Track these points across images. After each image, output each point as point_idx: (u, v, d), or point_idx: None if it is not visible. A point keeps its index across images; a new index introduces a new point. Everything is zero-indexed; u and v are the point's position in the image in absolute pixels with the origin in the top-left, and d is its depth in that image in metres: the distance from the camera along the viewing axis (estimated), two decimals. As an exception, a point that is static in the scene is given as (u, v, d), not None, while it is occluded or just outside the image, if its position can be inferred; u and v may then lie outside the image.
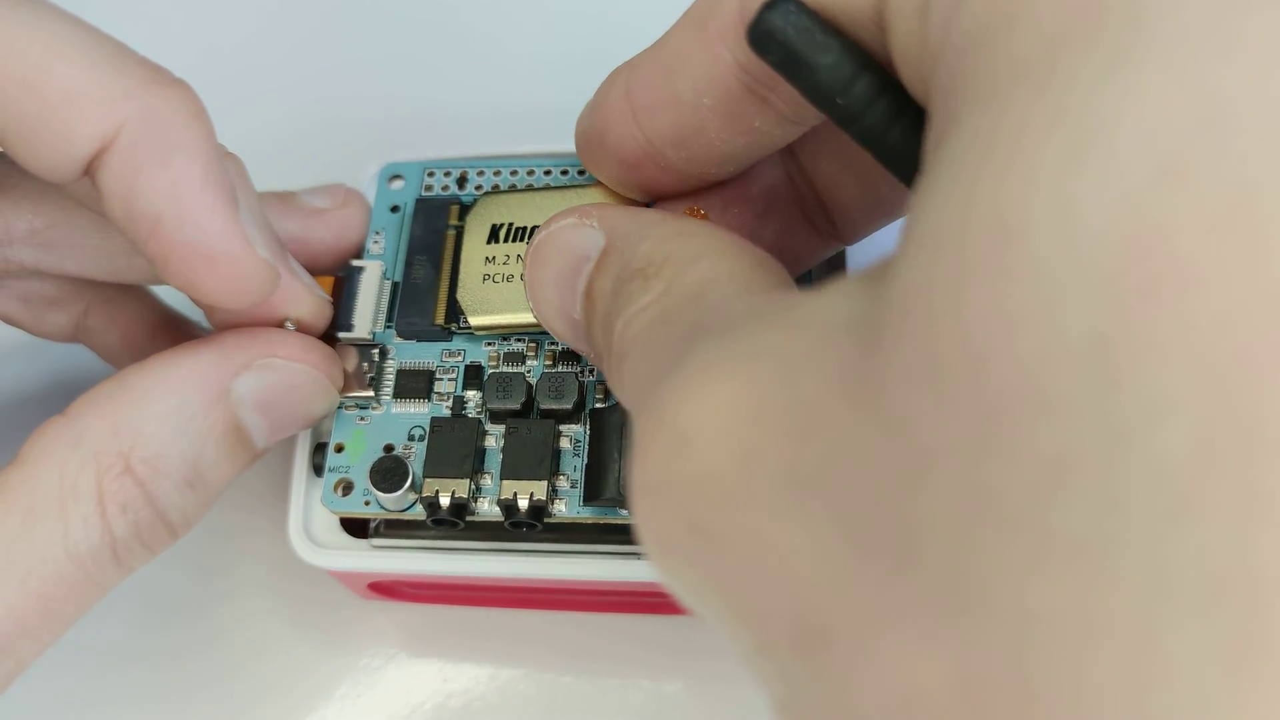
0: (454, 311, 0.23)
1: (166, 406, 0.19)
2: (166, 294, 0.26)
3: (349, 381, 0.22)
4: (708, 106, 0.17)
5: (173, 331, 0.25)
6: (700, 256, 0.16)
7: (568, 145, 0.21)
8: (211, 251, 0.18)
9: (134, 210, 0.18)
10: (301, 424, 0.22)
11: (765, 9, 0.15)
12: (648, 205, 0.21)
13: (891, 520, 0.10)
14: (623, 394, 0.16)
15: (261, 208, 0.20)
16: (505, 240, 0.23)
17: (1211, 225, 0.09)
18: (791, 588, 0.11)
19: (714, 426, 0.12)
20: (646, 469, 0.13)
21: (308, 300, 0.22)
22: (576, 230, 0.18)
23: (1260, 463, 0.08)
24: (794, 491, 0.11)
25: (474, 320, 0.22)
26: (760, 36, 0.15)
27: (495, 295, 0.22)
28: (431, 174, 0.25)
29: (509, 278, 0.22)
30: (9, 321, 0.24)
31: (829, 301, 0.12)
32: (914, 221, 0.11)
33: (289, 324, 0.21)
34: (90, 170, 0.18)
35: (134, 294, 0.25)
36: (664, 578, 0.14)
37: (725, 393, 0.12)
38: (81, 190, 0.20)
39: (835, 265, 0.24)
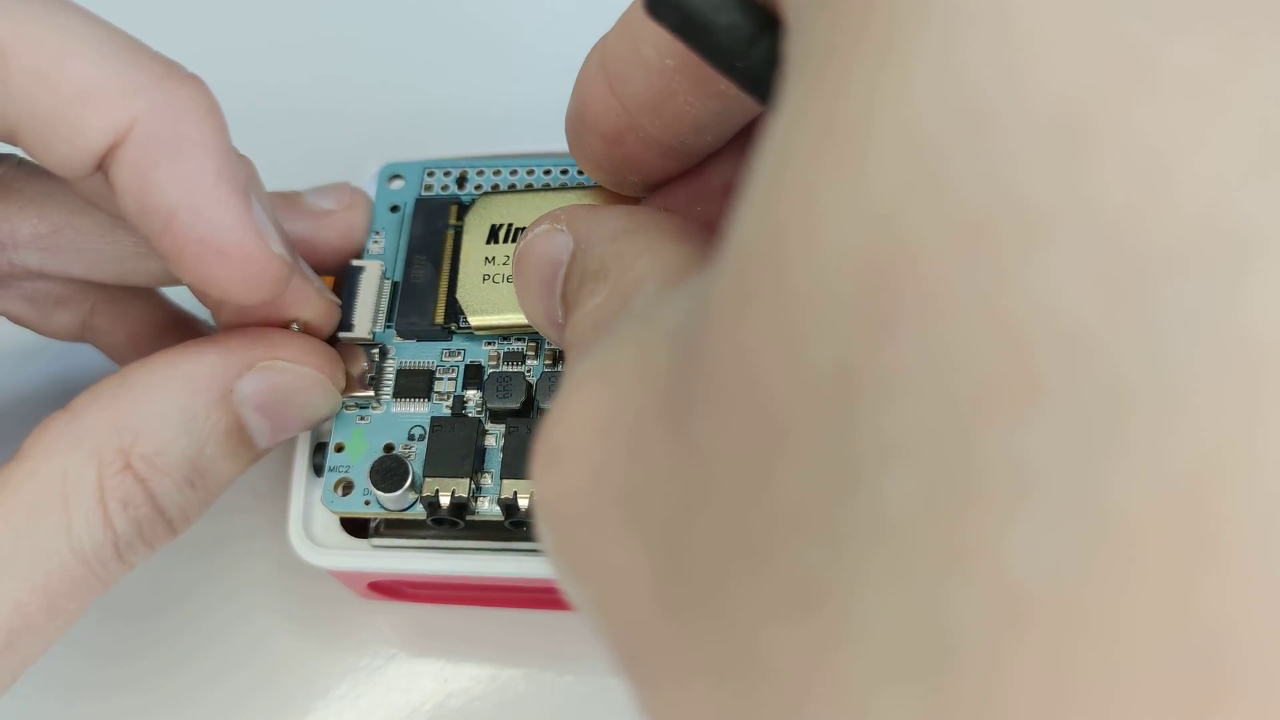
0: (454, 311, 0.23)
1: (168, 404, 0.19)
2: (174, 294, 0.26)
3: (351, 382, 0.22)
4: (671, 68, 0.17)
5: (179, 330, 0.25)
6: (640, 255, 0.16)
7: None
8: (225, 246, 0.18)
9: (147, 205, 0.17)
10: (303, 425, 0.22)
11: None
12: (638, 200, 0.21)
13: (677, 552, 0.10)
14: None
15: (271, 207, 0.20)
16: (504, 240, 0.23)
17: (957, 246, 0.08)
18: (612, 620, 0.11)
19: (575, 443, 0.12)
20: (534, 484, 0.13)
21: (316, 301, 0.22)
22: (549, 237, 0.18)
23: (968, 516, 0.08)
24: (622, 514, 0.11)
25: (474, 320, 0.22)
26: (654, 1, 0.14)
27: (495, 295, 0.22)
28: (431, 174, 0.25)
29: (508, 278, 0.22)
30: (15, 321, 0.24)
31: (667, 310, 0.12)
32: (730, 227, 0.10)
33: (295, 326, 0.21)
34: (103, 166, 0.18)
35: (140, 293, 0.25)
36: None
37: (585, 407, 0.12)
38: (94, 188, 0.20)
39: None
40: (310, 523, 0.23)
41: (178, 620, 0.26)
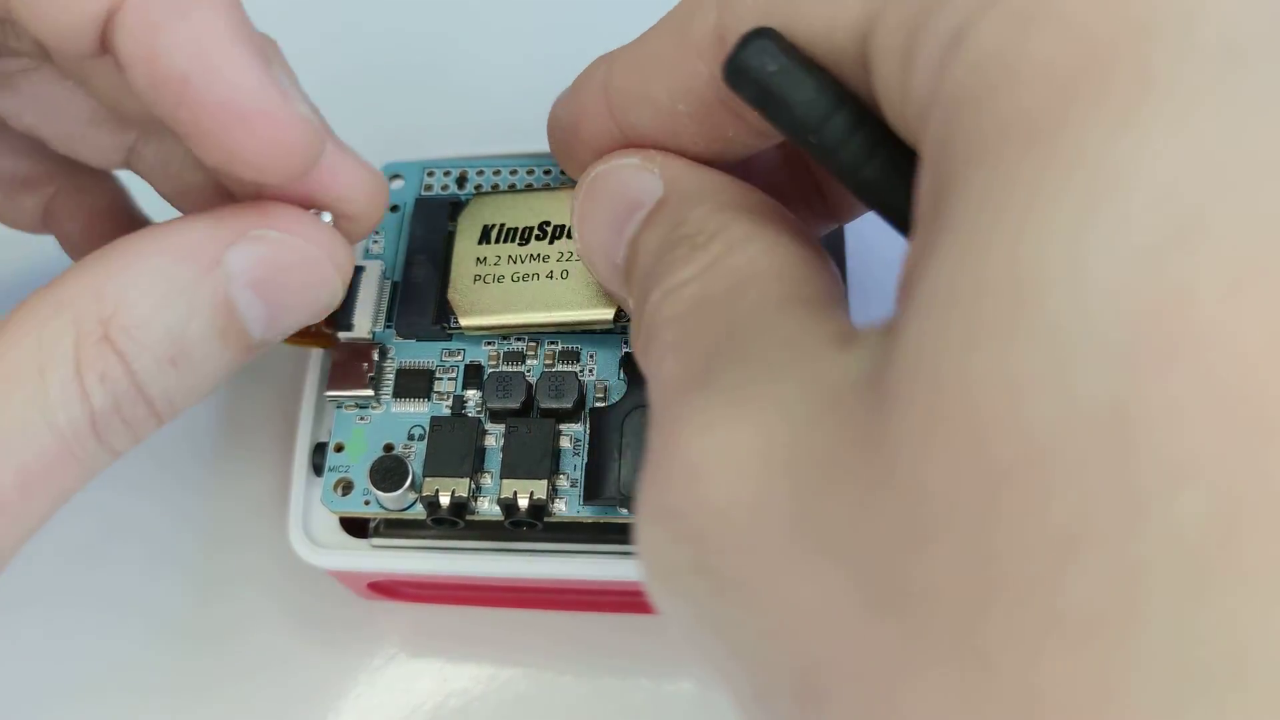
0: (443, 311, 0.23)
1: (152, 274, 0.17)
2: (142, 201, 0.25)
3: (351, 381, 0.22)
4: (683, 113, 0.17)
5: (137, 228, 0.24)
6: (752, 239, 0.15)
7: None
8: (246, 109, 0.16)
9: (158, 73, 0.16)
10: (302, 313, 0.19)
11: (741, 46, 0.15)
12: None
13: (901, 583, 0.10)
14: (647, 370, 0.16)
15: (297, 81, 0.19)
16: (497, 241, 0.23)
17: (1230, 286, 0.09)
18: (796, 640, 0.11)
19: (726, 466, 0.12)
20: (655, 493, 0.13)
21: (358, 175, 0.19)
22: (635, 173, 0.17)
23: (1265, 533, 0.08)
24: (805, 545, 0.11)
25: (465, 320, 0.22)
26: (735, 72, 0.15)
27: (486, 296, 0.22)
28: (431, 174, 0.25)
29: (500, 279, 0.22)
30: None
31: (847, 360, 0.12)
32: (919, 280, 0.11)
33: (325, 216, 0.19)
34: (106, 39, 0.16)
35: (105, 185, 0.24)
36: (660, 606, 0.13)
37: (740, 435, 0.12)
38: (100, 77, 0.19)
39: (834, 242, 0.24)
40: (310, 523, 0.23)
41: (177, 620, 0.26)
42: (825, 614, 0.11)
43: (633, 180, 0.17)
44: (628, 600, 0.25)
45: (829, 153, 0.15)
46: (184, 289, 0.17)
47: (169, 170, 0.22)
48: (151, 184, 0.23)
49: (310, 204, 0.19)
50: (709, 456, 0.12)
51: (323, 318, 0.20)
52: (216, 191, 0.22)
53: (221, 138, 0.17)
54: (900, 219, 0.15)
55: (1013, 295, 0.10)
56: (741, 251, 0.15)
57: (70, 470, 0.17)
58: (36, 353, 0.16)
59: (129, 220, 0.25)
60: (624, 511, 0.21)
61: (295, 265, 0.19)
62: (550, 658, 0.25)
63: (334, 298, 0.19)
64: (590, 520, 0.21)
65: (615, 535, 0.22)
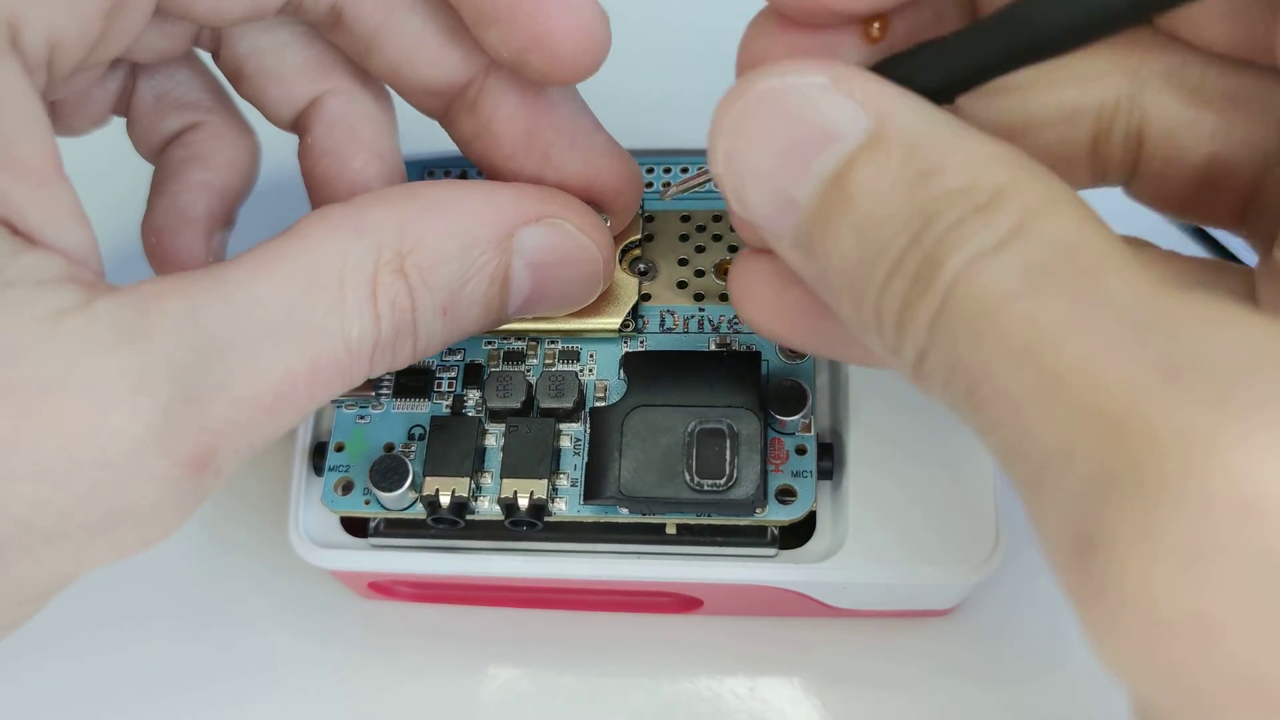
0: None
1: (452, 226, 0.18)
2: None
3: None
4: None
5: None
6: (1057, 203, 0.13)
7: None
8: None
9: None
10: (556, 304, 0.20)
11: None
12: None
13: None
14: (976, 356, 0.13)
15: None
16: None
17: None
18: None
19: None
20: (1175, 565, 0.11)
21: (626, 167, 0.20)
22: (828, 96, 0.14)
23: None
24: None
25: None
26: None
27: None
28: (432, 173, 0.25)
29: None
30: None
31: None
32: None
33: (605, 219, 0.20)
34: None
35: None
36: None
37: None
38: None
39: None
40: (310, 523, 0.23)
41: (177, 620, 0.26)
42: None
43: (824, 104, 0.14)
44: (628, 600, 0.25)
45: None
46: (475, 250, 0.18)
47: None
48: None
49: (586, 191, 0.20)
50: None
51: (564, 313, 0.21)
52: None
53: (534, 24, 0.17)
54: None
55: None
56: (1053, 218, 0.13)
57: (339, 382, 0.17)
58: (340, 266, 0.17)
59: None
60: (624, 511, 0.21)
61: (575, 261, 0.19)
62: (551, 658, 0.25)
63: (589, 298, 0.20)
64: (590, 520, 0.21)
65: (615, 535, 0.22)
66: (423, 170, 0.25)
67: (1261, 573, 0.10)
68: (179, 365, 0.15)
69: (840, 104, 0.14)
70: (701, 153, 0.23)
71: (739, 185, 0.15)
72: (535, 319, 0.21)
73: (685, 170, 0.24)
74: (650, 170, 0.24)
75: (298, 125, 0.21)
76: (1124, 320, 0.12)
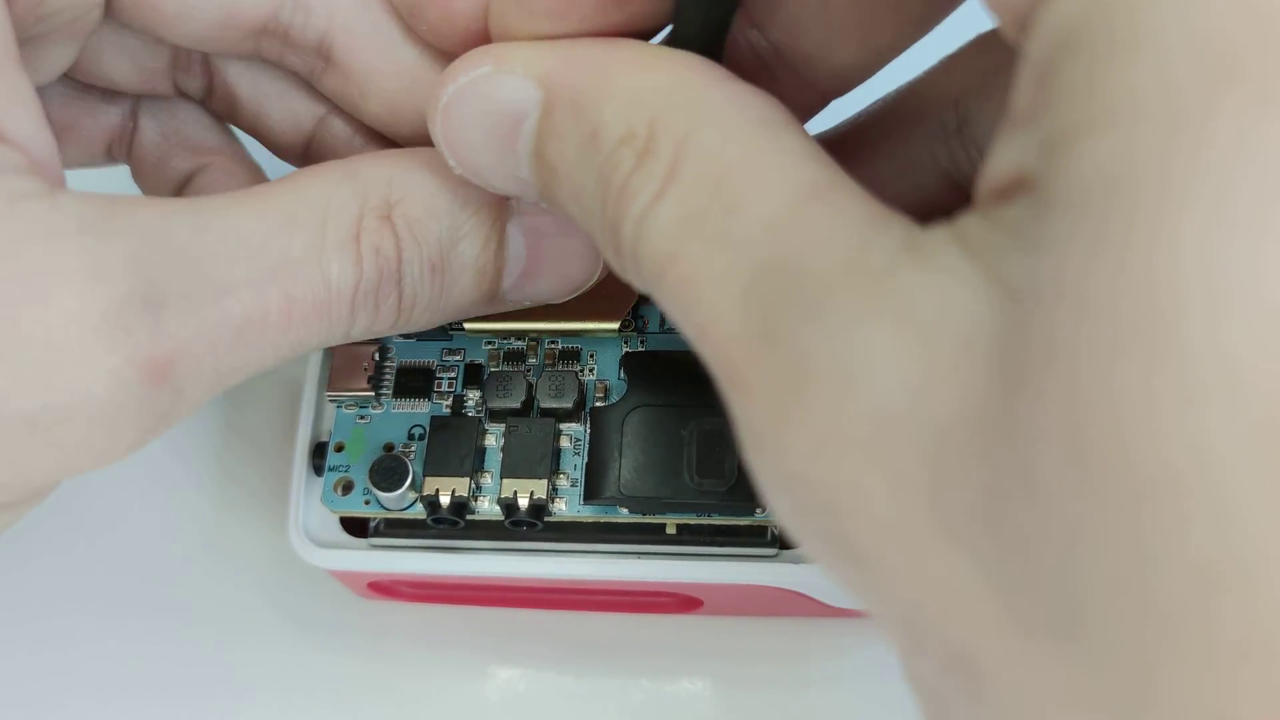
0: None
1: (446, 183, 0.17)
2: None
3: (351, 381, 0.22)
4: None
5: None
6: (696, 123, 0.13)
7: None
8: None
9: None
10: (554, 282, 0.19)
11: None
12: None
13: (1044, 589, 0.10)
14: (672, 314, 0.13)
15: None
16: None
17: None
18: (940, 616, 0.11)
19: (854, 436, 0.11)
20: (774, 460, 0.12)
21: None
22: (497, 83, 0.15)
23: None
24: (939, 526, 0.10)
25: (468, 325, 0.22)
26: None
27: None
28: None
29: None
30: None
31: (948, 299, 0.11)
32: (1053, 265, 0.10)
33: None
34: None
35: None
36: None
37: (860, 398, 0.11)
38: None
39: None
40: (310, 523, 0.23)
41: (177, 619, 0.26)
42: (965, 601, 0.10)
43: (498, 91, 0.15)
44: (628, 600, 0.25)
45: None
46: (469, 207, 0.18)
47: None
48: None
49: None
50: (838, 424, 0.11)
51: (561, 299, 0.20)
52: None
53: None
54: None
55: (1153, 313, 0.09)
56: (697, 142, 0.13)
57: (317, 323, 0.17)
58: (322, 206, 0.17)
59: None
60: (624, 511, 0.21)
61: (573, 232, 0.18)
62: (550, 658, 0.25)
63: (585, 283, 0.19)
64: (590, 520, 0.21)
65: (615, 535, 0.22)
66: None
67: None
68: (142, 264, 0.15)
69: (509, 84, 0.15)
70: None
71: (478, 179, 0.16)
72: (535, 319, 0.21)
73: None
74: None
75: (309, 152, 0.21)
76: (747, 258, 0.12)
